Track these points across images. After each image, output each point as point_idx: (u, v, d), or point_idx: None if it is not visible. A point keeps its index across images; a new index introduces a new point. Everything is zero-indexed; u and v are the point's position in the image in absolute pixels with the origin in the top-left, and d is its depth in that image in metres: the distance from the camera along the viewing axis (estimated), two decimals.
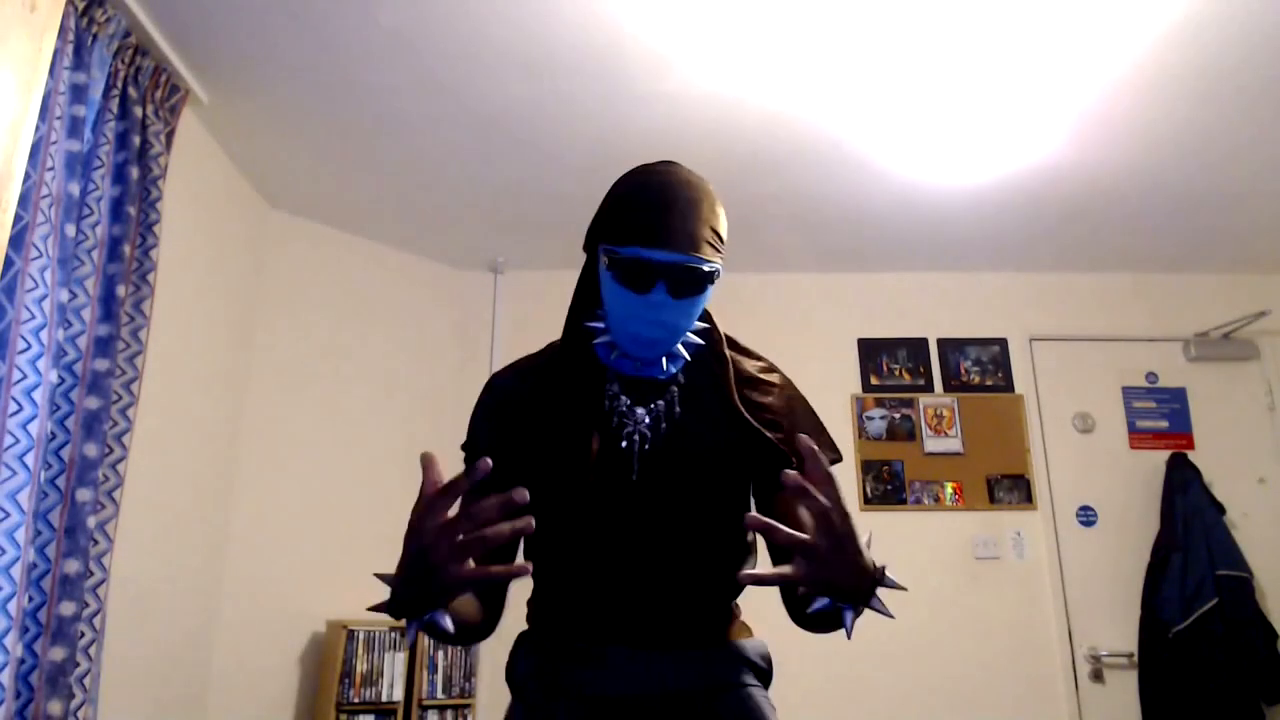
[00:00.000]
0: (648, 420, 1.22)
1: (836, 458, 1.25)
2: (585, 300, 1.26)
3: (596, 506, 1.20)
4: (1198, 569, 3.30)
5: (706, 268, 1.15)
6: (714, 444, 1.22)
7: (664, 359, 1.23)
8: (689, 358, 1.26)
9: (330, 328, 3.53)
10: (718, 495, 1.22)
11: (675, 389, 1.24)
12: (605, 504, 1.20)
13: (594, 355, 1.25)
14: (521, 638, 1.30)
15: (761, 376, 1.29)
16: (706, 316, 1.28)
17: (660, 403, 1.23)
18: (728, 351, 1.27)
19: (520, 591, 1.29)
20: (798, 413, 1.28)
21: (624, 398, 1.23)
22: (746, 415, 1.22)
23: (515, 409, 1.25)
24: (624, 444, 1.21)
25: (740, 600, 1.30)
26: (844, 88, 2.63)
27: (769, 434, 1.22)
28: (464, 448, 1.30)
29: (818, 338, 3.83)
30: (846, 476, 3.65)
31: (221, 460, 3.08)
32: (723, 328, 1.31)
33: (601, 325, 1.24)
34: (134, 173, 2.33)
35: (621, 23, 2.35)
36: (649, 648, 1.18)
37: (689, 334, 1.23)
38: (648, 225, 1.13)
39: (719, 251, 1.17)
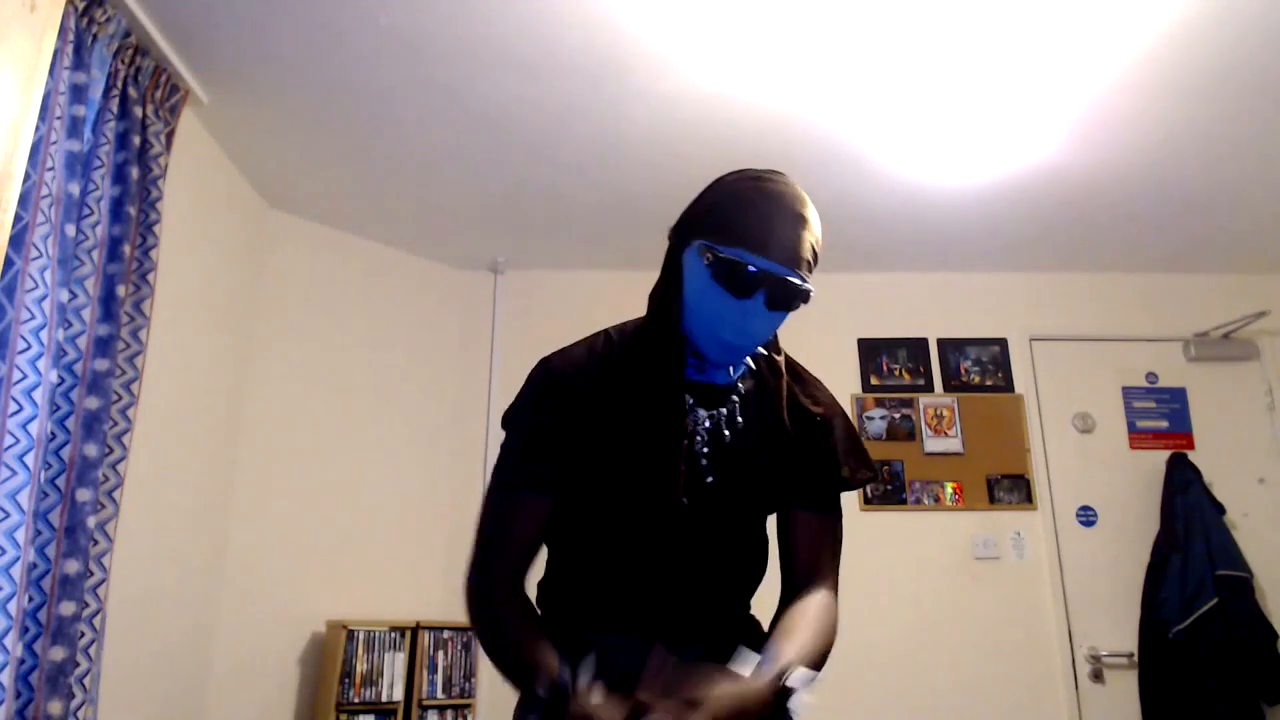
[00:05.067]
0: (707, 424, 1.22)
1: (873, 476, 1.31)
2: (668, 291, 1.22)
3: (639, 505, 1.20)
4: (1197, 569, 3.30)
5: (804, 286, 1.13)
6: (763, 459, 1.24)
7: (732, 367, 1.23)
8: (753, 366, 1.27)
9: (330, 328, 3.53)
10: (757, 506, 1.26)
11: (736, 399, 1.25)
12: (647, 503, 1.20)
13: (667, 349, 1.21)
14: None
15: (811, 392, 1.30)
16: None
17: (722, 410, 1.23)
18: (784, 368, 1.28)
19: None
20: (837, 432, 1.29)
21: (687, 396, 1.23)
22: (795, 436, 1.25)
23: (576, 395, 1.21)
24: (704, 448, 1.22)
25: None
26: (844, 88, 2.63)
27: (814, 452, 1.25)
28: (509, 421, 1.25)
29: (818, 338, 3.81)
30: None
31: (221, 460, 3.08)
32: None
33: (669, 324, 1.21)
34: (134, 173, 2.33)
35: (621, 23, 2.35)
36: (668, 643, 1.19)
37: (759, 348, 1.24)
38: (760, 231, 1.10)
39: (812, 272, 1.16)
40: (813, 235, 1.15)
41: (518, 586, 1.21)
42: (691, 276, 1.17)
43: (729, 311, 1.13)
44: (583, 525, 1.24)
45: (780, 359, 1.29)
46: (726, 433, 1.22)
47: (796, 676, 1.03)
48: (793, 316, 1.17)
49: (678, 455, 1.17)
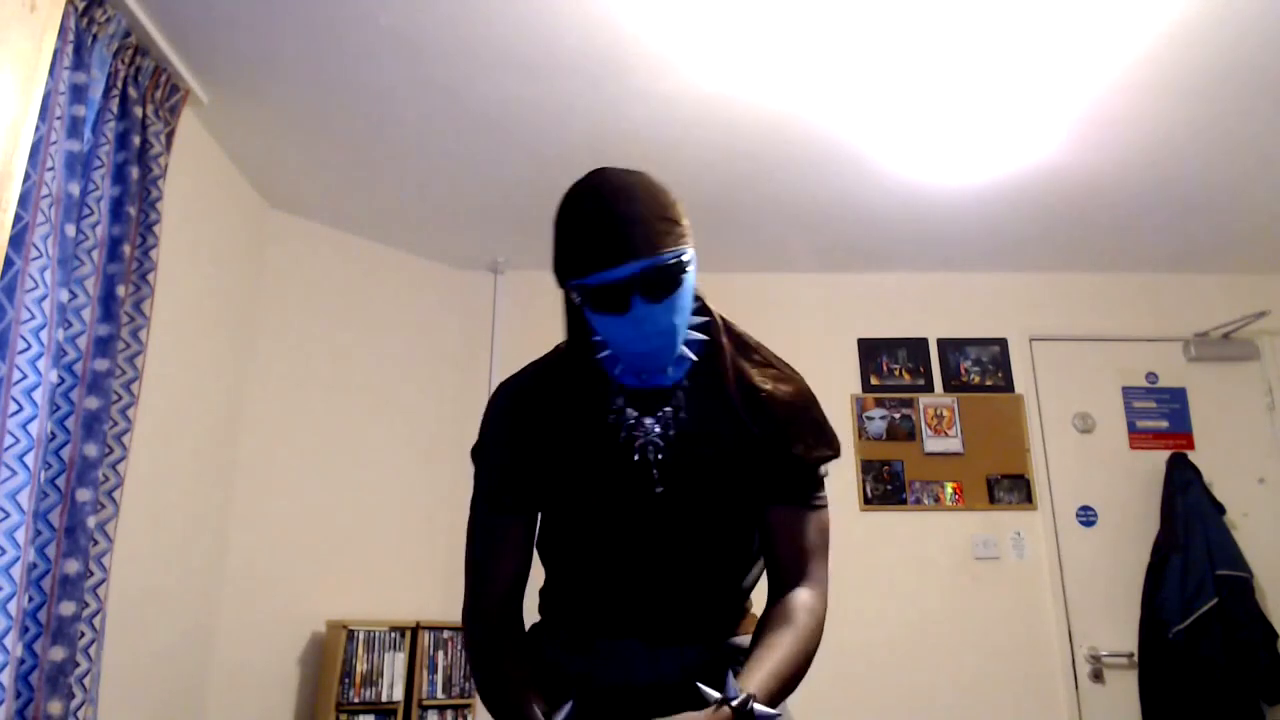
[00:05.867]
0: (657, 429, 1.20)
1: (833, 454, 1.24)
2: (576, 328, 1.24)
3: (610, 516, 1.20)
4: (1198, 569, 3.30)
5: (671, 260, 1.10)
6: (722, 447, 1.21)
7: (672, 365, 1.20)
8: (695, 358, 1.22)
9: (330, 328, 3.53)
10: (728, 497, 1.22)
11: (681, 394, 1.22)
12: (618, 514, 1.20)
13: (598, 370, 1.23)
14: (534, 629, 1.32)
15: (764, 370, 1.25)
16: (704, 309, 1.24)
17: (668, 409, 1.21)
18: (727, 345, 1.24)
19: (533, 580, 1.31)
20: (797, 406, 1.24)
21: (630, 410, 1.21)
22: (745, 418, 1.20)
23: (527, 418, 1.24)
24: (636, 456, 1.20)
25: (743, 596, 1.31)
26: (844, 88, 2.62)
27: (766, 433, 1.20)
28: (475, 454, 1.29)
29: (818, 338, 3.83)
30: (847, 477, 3.64)
31: (221, 460, 3.08)
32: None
33: (601, 341, 1.21)
34: (134, 173, 2.33)
35: (621, 23, 2.35)
36: (663, 644, 1.20)
37: (690, 332, 1.20)
38: (597, 247, 1.09)
39: (680, 236, 1.13)
40: (654, 206, 1.11)
41: (508, 620, 1.22)
42: (587, 314, 1.16)
43: (623, 327, 1.12)
44: (558, 537, 1.26)
45: (724, 340, 1.24)
46: (673, 433, 1.20)
47: (760, 710, 1.01)
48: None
49: (597, 483, 1.19)
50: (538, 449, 1.22)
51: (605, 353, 1.21)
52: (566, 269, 1.14)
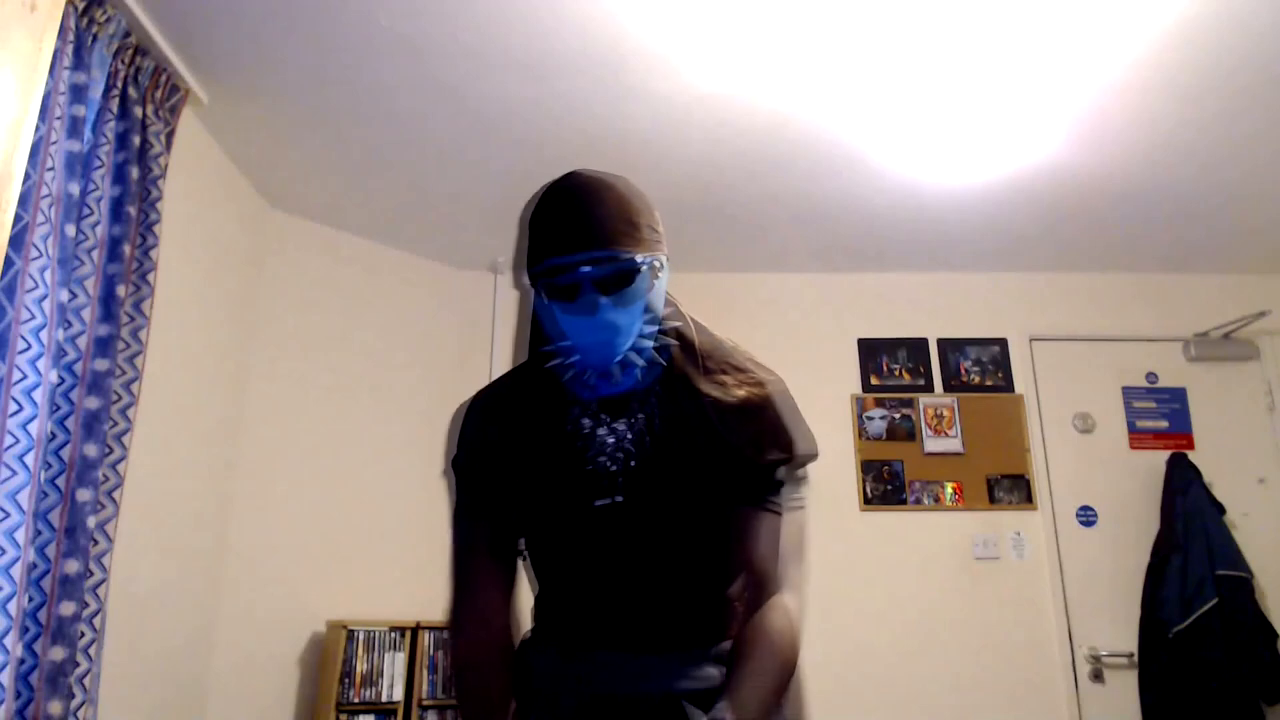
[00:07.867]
0: (630, 436, 1.20)
1: (784, 458, 1.21)
2: (539, 334, 1.26)
3: (575, 525, 1.20)
4: (1198, 569, 3.30)
5: (625, 257, 1.11)
6: (694, 455, 1.19)
7: (618, 369, 1.19)
8: (643, 364, 1.21)
9: (330, 327, 3.53)
10: (704, 504, 1.20)
11: (655, 400, 1.22)
12: (583, 523, 1.19)
13: (556, 380, 1.23)
14: (524, 640, 1.31)
15: (718, 376, 1.24)
16: (675, 314, 1.24)
17: (640, 417, 1.21)
18: (683, 353, 1.23)
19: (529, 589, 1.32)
20: (751, 409, 1.21)
21: (602, 415, 1.21)
22: (699, 426, 1.19)
23: (495, 427, 1.26)
24: (612, 466, 1.19)
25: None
26: (844, 87, 2.63)
27: (736, 442, 1.19)
28: (451, 465, 1.30)
29: (818, 338, 3.83)
30: (847, 477, 3.65)
31: (221, 460, 3.08)
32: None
33: (553, 349, 1.21)
34: (134, 173, 2.33)
35: (622, 23, 2.35)
36: (648, 652, 1.19)
37: (659, 336, 1.20)
38: (555, 234, 1.12)
39: (640, 241, 1.13)
40: (620, 207, 1.13)
41: (490, 630, 1.22)
42: (542, 310, 1.17)
43: (577, 318, 1.13)
44: (533, 547, 1.26)
45: (695, 340, 1.23)
46: (648, 439, 1.20)
47: None
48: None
49: (560, 493, 1.19)
50: (504, 457, 1.23)
51: (557, 361, 1.20)
52: (529, 258, 1.16)
